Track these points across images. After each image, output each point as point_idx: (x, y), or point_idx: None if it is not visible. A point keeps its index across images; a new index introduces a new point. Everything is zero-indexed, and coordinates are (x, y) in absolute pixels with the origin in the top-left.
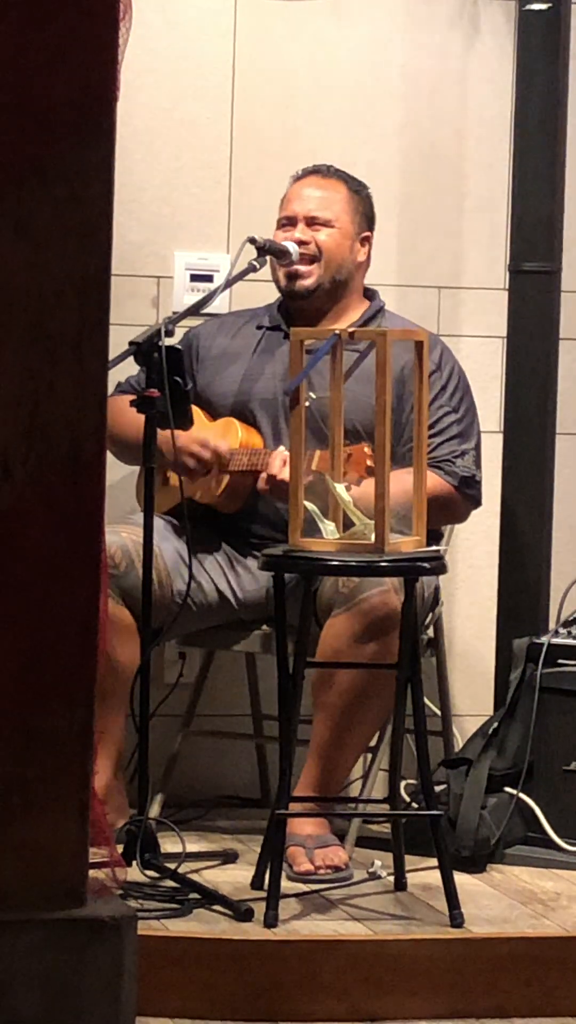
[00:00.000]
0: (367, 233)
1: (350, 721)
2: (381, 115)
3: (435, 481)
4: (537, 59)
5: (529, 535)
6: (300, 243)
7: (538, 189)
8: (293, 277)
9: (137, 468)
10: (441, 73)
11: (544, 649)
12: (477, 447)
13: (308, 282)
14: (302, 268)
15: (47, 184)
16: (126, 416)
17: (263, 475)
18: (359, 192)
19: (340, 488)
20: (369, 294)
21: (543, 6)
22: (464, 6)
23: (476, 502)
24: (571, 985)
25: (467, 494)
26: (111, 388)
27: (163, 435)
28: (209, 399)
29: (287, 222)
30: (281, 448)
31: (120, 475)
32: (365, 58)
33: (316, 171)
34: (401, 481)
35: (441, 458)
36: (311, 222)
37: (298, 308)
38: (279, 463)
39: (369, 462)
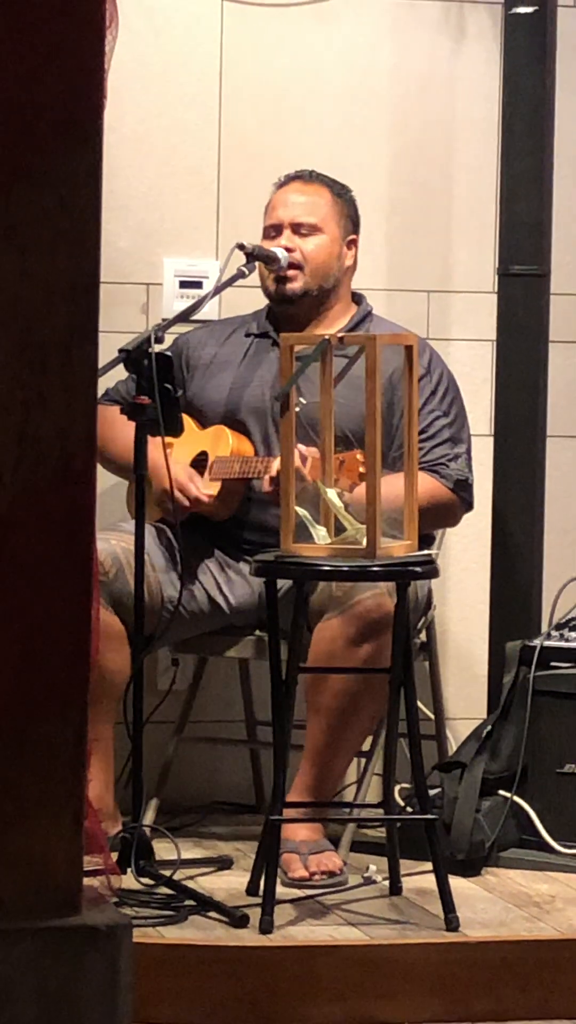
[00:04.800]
0: (353, 236)
1: (344, 724)
2: (369, 119)
3: (432, 484)
4: (523, 62)
5: (521, 538)
6: (287, 250)
7: (526, 192)
8: (282, 281)
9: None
10: (428, 77)
11: (537, 652)
12: (468, 450)
13: (296, 285)
14: (290, 273)
15: (35, 191)
16: (115, 430)
17: (267, 476)
18: (343, 196)
19: (331, 493)
20: (356, 298)
21: (529, 9)
22: (450, 10)
23: (469, 505)
24: (567, 988)
25: (462, 497)
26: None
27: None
28: (199, 407)
29: (273, 231)
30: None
31: (111, 483)
32: (352, 63)
33: (298, 176)
34: (395, 485)
35: (435, 461)
36: (297, 229)
37: (286, 314)
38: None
39: (362, 468)
